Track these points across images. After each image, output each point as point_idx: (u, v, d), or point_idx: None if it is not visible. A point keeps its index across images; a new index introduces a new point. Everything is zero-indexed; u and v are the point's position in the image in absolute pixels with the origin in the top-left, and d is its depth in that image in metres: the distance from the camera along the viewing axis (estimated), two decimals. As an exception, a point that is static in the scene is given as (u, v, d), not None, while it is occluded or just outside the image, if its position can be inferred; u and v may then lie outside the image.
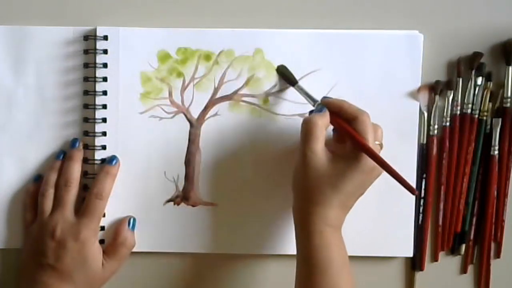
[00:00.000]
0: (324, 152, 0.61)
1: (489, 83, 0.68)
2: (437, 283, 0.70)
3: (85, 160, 0.67)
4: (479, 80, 0.68)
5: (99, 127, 0.67)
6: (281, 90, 0.68)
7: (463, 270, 0.70)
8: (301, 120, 0.67)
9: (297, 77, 0.67)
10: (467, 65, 0.68)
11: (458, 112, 0.68)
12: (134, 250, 0.68)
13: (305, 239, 0.61)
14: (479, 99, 0.68)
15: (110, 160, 0.67)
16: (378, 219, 0.68)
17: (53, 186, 0.66)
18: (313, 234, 0.60)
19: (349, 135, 0.61)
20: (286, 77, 0.67)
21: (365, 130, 0.60)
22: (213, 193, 0.68)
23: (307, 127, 0.61)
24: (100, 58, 0.67)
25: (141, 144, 0.68)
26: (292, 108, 0.68)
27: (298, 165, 0.62)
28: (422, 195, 0.68)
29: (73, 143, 0.67)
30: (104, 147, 0.67)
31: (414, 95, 0.68)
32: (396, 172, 0.60)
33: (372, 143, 0.60)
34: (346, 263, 0.61)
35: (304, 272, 0.61)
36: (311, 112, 0.64)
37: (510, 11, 0.68)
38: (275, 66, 0.67)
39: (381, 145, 0.63)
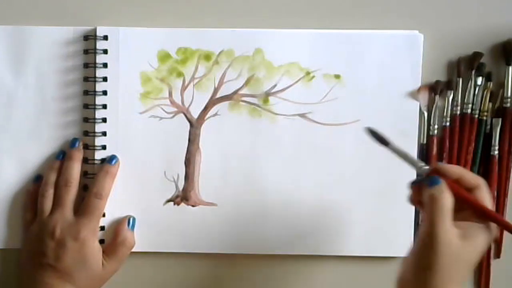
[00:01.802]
0: (455, 229, 0.57)
1: (489, 83, 0.68)
2: (437, 283, 0.70)
3: (85, 160, 0.67)
4: (479, 80, 0.68)
5: (99, 127, 0.67)
6: (282, 90, 0.68)
7: (463, 270, 0.70)
8: (301, 120, 0.67)
9: (298, 76, 0.67)
10: (467, 65, 0.68)
11: (458, 112, 0.68)
12: (134, 250, 0.68)
13: None
14: (479, 99, 0.68)
15: (110, 160, 0.67)
16: (378, 219, 0.68)
17: (52, 186, 0.66)
18: None
19: (474, 206, 0.57)
20: (378, 138, 0.61)
21: (486, 198, 0.58)
22: (213, 193, 0.68)
23: (438, 205, 0.56)
24: (100, 58, 0.67)
25: (141, 144, 0.68)
26: (292, 108, 0.68)
27: (428, 243, 0.56)
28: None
29: (73, 143, 0.67)
30: (104, 147, 0.67)
31: (414, 95, 0.68)
32: None
33: (493, 209, 0.58)
34: None
35: None
36: (414, 183, 0.60)
37: (510, 11, 0.68)
38: (275, 66, 0.67)
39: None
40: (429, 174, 0.58)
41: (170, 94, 0.68)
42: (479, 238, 0.57)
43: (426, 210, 0.57)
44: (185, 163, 0.68)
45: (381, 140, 0.60)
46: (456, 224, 0.57)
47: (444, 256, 0.56)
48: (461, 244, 0.56)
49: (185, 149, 0.68)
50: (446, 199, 0.56)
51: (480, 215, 0.57)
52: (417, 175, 0.61)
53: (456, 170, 0.59)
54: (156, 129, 0.68)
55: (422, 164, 0.59)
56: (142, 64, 0.67)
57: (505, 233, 0.69)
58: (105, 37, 0.66)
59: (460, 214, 0.58)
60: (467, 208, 0.58)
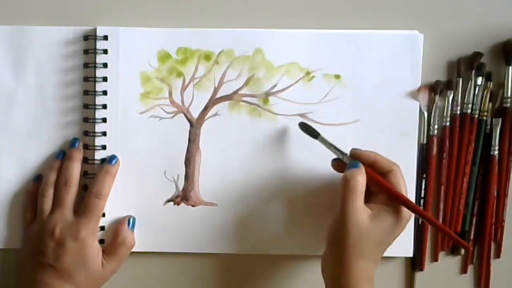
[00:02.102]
0: (365, 208, 0.61)
1: (489, 83, 0.68)
2: (437, 283, 0.70)
3: (85, 160, 0.67)
4: (479, 80, 0.68)
5: (99, 127, 0.67)
6: (282, 90, 0.68)
7: (463, 270, 0.70)
8: (301, 120, 0.67)
9: (298, 76, 0.67)
10: (467, 65, 0.68)
11: (458, 112, 0.68)
12: (134, 250, 0.68)
13: None
14: (479, 99, 0.68)
15: (110, 160, 0.67)
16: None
17: (52, 186, 0.66)
18: (351, 287, 0.60)
19: (386, 189, 0.62)
20: (308, 131, 0.66)
21: (400, 182, 0.62)
22: (213, 193, 0.68)
23: (350, 184, 0.61)
24: (100, 58, 0.67)
25: (141, 144, 0.68)
26: (292, 108, 0.68)
27: (339, 221, 0.61)
28: (422, 195, 0.68)
29: (73, 143, 0.67)
30: (104, 147, 0.67)
31: (414, 95, 0.68)
32: (440, 224, 0.64)
33: (407, 195, 0.62)
34: None
35: None
36: (334, 160, 0.65)
37: (510, 11, 0.68)
38: (275, 66, 0.67)
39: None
40: (349, 157, 0.64)
41: (170, 94, 0.68)
42: (387, 219, 0.61)
43: (340, 191, 0.62)
44: (185, 163, 0.68)
45: (312, 133, 0.66)
46: (368, 205, 0.62)
47: (352, 233, 0.60)
48: (369, 224, 0.61)
49: (185, 149, 0.68)
50: (357, 181, 0.61)
51: (392, 198, 0.62)
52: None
53: (370, 154, 0.64)
54: (156, 129, 0.68)
55: (346, 154, 0.64)
56: (142, 64, 0.67)
57: (505, 233, 0.69)
58: (105, 37, 0.66)
59: (377, 198, 0.63)
60: (383, 192, 0.62)
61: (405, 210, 0.62)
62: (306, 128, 0.66)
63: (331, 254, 0.63)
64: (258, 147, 0.68)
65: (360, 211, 0.61)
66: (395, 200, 0.62)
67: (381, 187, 0.63)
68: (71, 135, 0.68)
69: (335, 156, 0.65)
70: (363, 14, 0.68)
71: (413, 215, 0.63)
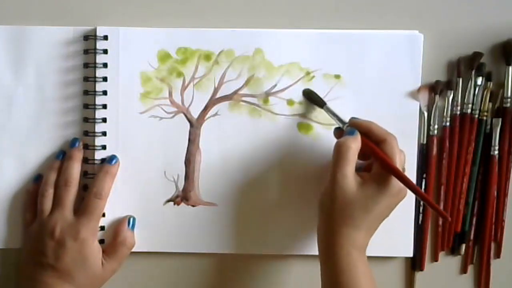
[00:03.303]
0: (354, 176, 0.61)
1: (489, 83, 0.68)
2: (437, 283, 0.70)
3: (85, 160, 0.67)
4: (479, 80, 0.68)
5: (99, 127, 0.67)
6: (282, 90, 0.68)
7: (463, 270, 0.70)
8: (301, 120, 0.67)
9: (298, 76, 0.67)
10: (467, 65, 0.68)
11: (458, 112, 0.68)
12: (134, 250, 0.68)
13: (331, 260, 0.61)
14: (479, 99, 0.68)
15: (109, 160, 0.67)
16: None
17: (52, 186, 0.66)
18: (340, 255, 0.60)
19: (378, 157, 0.61)
20: (313, 100, 0.67)
21: (393, 152, 0.61)
22: (213, 193, 0.68)
23: (341, 150, 0.61)
24: (100, 58, 0.67)
25: (141, 144, 0.68)
26: (292, 108, 0.68)
27: (328, 188, 0.62)
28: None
29: (73, 143, 0.67)
30: (104, 147, 0.67)
31: (414, 95, 0.68)
32: (426, 196, 0.62)
33: (400, 166, 0.61)
34: (373, 283, 0.61)
35: None
36: (336, 129, 0.65)
37: (510, 11, 0.68)
38: (275, 66, 0.67)
39: (403, 170, 0.63)
40: (347, 127, 0.64)
41: (170, 94, 0.68)
42: (373, 186, 0.61)
43: (332, 157, 0.61)
44: (185, 163, 0.68)
45: (316, 102, 0.66)
46: (360, 174, 0.61)
47: (338, 199, 0.60)
48: (357, 190, 0.61)
49: (185, 149, 0.68)
50: (349, 148, 0.61)
51: (382, 166, 0.61)
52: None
53: (365, 123, 0.63)
54: (156, 129, 0.68)
55: (347, 123, 0.64)
56: (142, 64, 0.67)
57: (505, 233, 0.69)
58: (105, 37, 0.66)
59: (372, 168, 0.62)
60: (376, 161, 0.62)
61: (394, 180, 0.61)
62: (311, 96, 0.66)
63: (321, 222, 0.63)
64: (258, 147, 0.68)
65: (349, 178, 0.61)
66: (385, 169, 0.61)
67: (374, 155, 0.62)
68: (71, 135, 0.68)
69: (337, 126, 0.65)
70: (363, 14, 0.68)
71: (408, 193, 0.62)
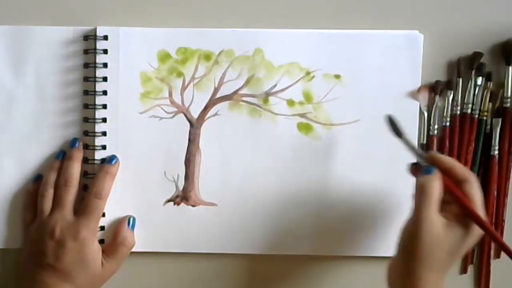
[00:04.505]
0: (439, 217, 0.59)
1: (489, 83, 0.68)
2: (437, 283, 0.70)
3: (85, 160, 0.67)
4: (479, 80, 0.68)
5: (99, 127, 0.67)
6: (282, 90, 0.68)
7: (463, 270, 0.70)
8: (300, 120, 0.67)
9: (298, 76, 0.67)
10: (467, 65, 0.68)
11: (458, 112, 0.68)
12: (134, 250, 0.68)
13: None
14: (479, 99, 0.68)
15: (109, 160, 0.67)
16: (378, 219, 0.68)
17: (52, 186, 0.66)
18: None
19: (458, 200, 0.59)
20: (393, 127, 0.64)
21: (475, 194, 0.59)
22: (213, 193, 0.68)
23: (424, 191, 0.58)
24: (100, 58, 0.67)
25: (141, 144, 0.68)
26: (292, 108, 0.68)
27: (411, 229, 0.59)
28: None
29: (73, 143, 0.67)
30: (104, 147, 0.67)
31: (414, 95, 0.68)
32: (506, 245, 0.60)
33: (480, 208, 0.59)
34: None
35: None
36: (413, 164, 0.62)
37: (510, 11, 0.68)
38: (275, 66, 0.67)
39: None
40: (426, 161, 0.61)
41: (170, 94, 0.68)
42: (459, 230, 0.58)
43: (414, 198, 0.59)
44: (185, 163, 0.68)
45: (397, 131, 0.63)
46: (443, 214, 0.59)
47: (424, 242, 0.58)
48: (443, 233, 0.58)
49: (185, 149, 0.68)
50: (434, 188, 0.58)
51: (463, 210, 0.59)
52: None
53: (448, 160, 0.61)
54: (156, 129, 0.68)
55: (423, 153, 0.62)
56: (142, 64, 0.67)
57: (505, 234, 0.69)
58: (105, 37, 0.66)
59: (450, 207, 0.59)
60: (456, 202, 0.59)
61: (475, 225, 0.59)
62: (392, 124, 0.64)
63: (400, 263, 0.60)
64: (258, 147, 0.68)
65: (435, 220, 0.58)
66: (466, 213, 0.59)
67: (454, 198, 0.59)
68: (71, 135, 0.68)
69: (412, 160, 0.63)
70: (363, 14, 0.68)
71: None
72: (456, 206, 0.59)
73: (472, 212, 0.58)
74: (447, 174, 0.60)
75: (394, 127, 0.63)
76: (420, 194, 0.59)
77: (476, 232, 0.59)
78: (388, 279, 0.61)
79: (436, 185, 0.59)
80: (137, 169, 0.68)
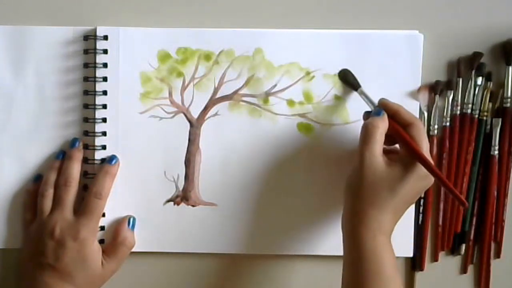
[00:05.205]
0: (382, 156, 0.61)
1: (489, 83, 0.68)
2: (437, 283, 0.70)
3: (85, 160, 0.67)
4: (479, 80, 0.68)
5: (99, 127, 0.67)
6: (282, 90, 0.68)
7: (463, 270, 0.70)
8: (300, 120, 0.67)
9: (298, 76, 0.67)
10: (467, 65, 0.68)
11: (458, 112, 0.68)
12: (134, 250, 0.68)
13: (356, 243, 0.60)
14: (479, 99, 0.68)
15: (109, 160, 0.67)
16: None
17: (52, 186, 0.66)
18: (366, 238, 0.60)
19: (404, 141, 0.61)
20: (348, 82, 0.66)
21: (420, 137, 0.61)
22: (213, 193, 0.68)
23: (368, 129, 0.61)
24: (100, 58, 0.67)
25: (141, 144, 0.68)
26: (292, 108, 0.68)
27: (355, 167, 0.62)
28: (422, 195, 0.68)
29: (73, 143, 0.67)
30: (104, 147, 0.67)
31: (414, 95, 0.68)
32: (448, 183, 0.61)
33: (426, 151, 0.61)
34: (397, 269, 0.61)
35: (355, 276, 0.60)
36: (366, 113, 0.64)
37: (510, 11, 0.68)
38: (275, 66, 0.67)
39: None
40: (377, 107, 0.64)
41: (170, 94, 0.68)
42: (400, 167, 0.60)
43: (360, 137, 0.61)
44: (185, 163, 0.68)
45: (352, 84, 0.66)
46: (386, 155, 0.61)
47: (367, 179, 0.60)
48: (384, 170, 0.60)
49: (185, 149, 0.68)
50: (377, 127, 0.61)
51: (408, 150, 0.61)
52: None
53: (393, 105, 0.63)
54: (156, 129, 0.68)
55: (376, 106, 0.64)
56: (142, 64, 0.67)
57: (505, 233, 0.69)
58: (105, 37, 0.66)
59: (397, 154, 0.62)
60: (402, 145, 0.62)
61: (420, 165, 0.60)
62: (346, 77, 0.66)
63: (347, 204, 0.62)
64: (258, 147, 0.68)
65: (377, 157, 0.60)
66: (411, 153, 0.61)
67: (400, 139, 0.62)
68: (71, 135, 0.68)
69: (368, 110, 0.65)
70: (363, 14, 0.68)
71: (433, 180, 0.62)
72: (402, 149, 0.61)
73: (416, 151, 0.60)
74: (395, 119, 0.62)
75: (349, 81, 0.66)
76: (364, 133, 0.61)
77: (421, 172, 0.60)
78: (341, 222, 0.63)
79: (379, 124, 0.61)
80: (137, 169, 0.68)
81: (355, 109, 0.68)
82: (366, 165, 0.60)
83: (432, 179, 0.62)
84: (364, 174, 0.60)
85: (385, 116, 0.62)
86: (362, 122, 0.67)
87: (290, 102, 0.68)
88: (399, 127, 0.62)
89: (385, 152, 0.62)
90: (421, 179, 0.61)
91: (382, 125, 0.61)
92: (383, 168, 0.60)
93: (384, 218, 0.60)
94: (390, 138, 0.63)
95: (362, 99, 0.65)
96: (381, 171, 0.60)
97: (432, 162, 0.61)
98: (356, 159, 0.62)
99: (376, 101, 0.64)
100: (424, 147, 0.61)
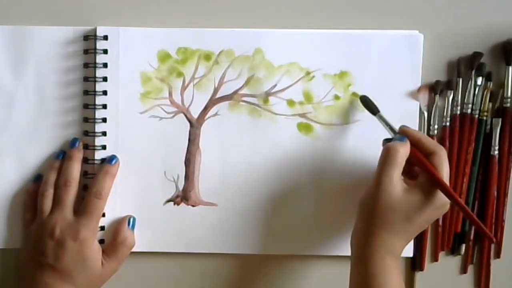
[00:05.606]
0: (400, 181, 0.61)
1: (489, 83, 0.68)
2: (437, 283, 0.70)
3: (85, 160, 0.67)
4: (479, 80, 0.68)
5: (99, 127, 0.67)
6: (282, 90, 0.68)
7: (463, 270, 0.70)
8: (300, 120, 0.67)
9: (298, 76, 0.67)
10: (467, 65, 0.68)
11: (458, 112, 0.68)
12: (134, 250, 0.68)
13: (364, 262, 0.60)
14: (479, 99, 0.68)
15: (109, 160, 0.67)
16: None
17: (52, 186, 0.66)
18: (375, 258, 0.60)
19: (425, 169, 0.61)
20: (368, 107, 0.66)
21: (442, 165, 0.61)
22: (213, 193, 0.68)
23: (389, 153, 0.60)
24: (100, 58, 0.67)
25: (141, 144, 0.68)
26: (292, 108, 0.68)
27: (372, 190, 0.61)
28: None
29: (73, 143, 0.67)
30: (104, 147, 0.67)
31: (414, 95, 0.68)
32: (473, 215, 0.61)
33: (447, 180, 0.61)
34: None
35: None
36: (386, 140, 0.64)
37: (510, 11, 0.68)
38: (275, 66, 0.67)
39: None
40: (398, 133, 0.63)
41: (170, 94, 0.68)
42: (418, 196, 0.60)
43: (379, 160, 0.61)
44: (185, 163, 0.68)
45: (371, 109, 0.66)
46: (405, 180, 0.61)
47: (382, 203, 0.60)
48: (402, 196, 0.60)
49: (185, 149, 0.68)
50: (399, 152, 0.60)
51: (429, 179, 0.60)
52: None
53: (416, 133, 0.63)
54: (156, 129, 0.68)
55: (397, 131, 0.64)
56: (142, 64, 0.67)
57: (505, 233, 0.69)
58: (105, 37, 0.66)
59: (418, 179, 0.61)
60: (423, 173, 0.61)
61: (440, 193, 0.60)
62: (366, 103, 0.66)
63: (361, 222, 0.62)
64: (258, 147, 0.68)
65: (395, 183, 0.60)
66: (432, 182, 0.60)
67: (422, 167, 0.61)
68: (71, 135, 0.68)
69: (388, 136, 0.64)
70: (363, 14, 0.68)
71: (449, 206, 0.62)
72: (422, 177, 0.61)
73: (438, 180, 0.60)
74: (417, 146, 0.62)
75: (369, 105, 0.66)
76: (385, 156, 0.61)
77: (439, 202, 0.60)
78: (351, 239, 0.63)
79: (401, 149, 0.60)
80: (137, 169, 0.68)
81: (355, 109, 0.67)
82: (383, 189, 0.60)
83: (447, 208, 0.62)
84: (379, 198, 0.60)
85: (408, 143, 0.61)
86: (362, 122, 0.68)
87: (290, 102, 0.68)
88: (421, 154, 0.61)
89: (403, 173, 0.61)
90: (437, 209, 0.61)
91: (404, 150, 0.61)
92: (400, 194, 0.60)
93: (395, 242, 0.60)
94: (410, 165, 0.62)
95: (381, 124, 0.65)
96: (398, 197, 0.60)
97: (454, 192, 0.60)
98: (373, 181, 0.61)
99: (394, 126, 0.64)
100: (445, 175, 0.61)
